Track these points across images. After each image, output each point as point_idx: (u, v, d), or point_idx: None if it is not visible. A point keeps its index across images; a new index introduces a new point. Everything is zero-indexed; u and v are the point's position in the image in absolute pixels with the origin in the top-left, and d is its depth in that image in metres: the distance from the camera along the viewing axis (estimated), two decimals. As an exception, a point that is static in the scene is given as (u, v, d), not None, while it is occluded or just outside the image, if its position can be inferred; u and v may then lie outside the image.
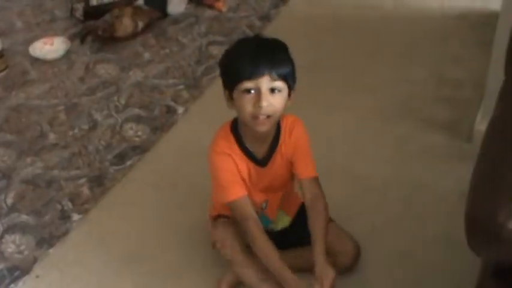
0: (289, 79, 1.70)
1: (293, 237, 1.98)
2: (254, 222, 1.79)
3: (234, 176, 1.80)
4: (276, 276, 1.77)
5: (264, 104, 1.65)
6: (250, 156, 1.81)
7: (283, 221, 2.02)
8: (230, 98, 1.73)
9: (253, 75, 1.64)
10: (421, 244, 2.08)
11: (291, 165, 1.87)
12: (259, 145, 1.82)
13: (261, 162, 1.83)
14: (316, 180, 1.87)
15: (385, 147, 2.52)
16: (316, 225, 1.81)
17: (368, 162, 2.44)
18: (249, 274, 1.86)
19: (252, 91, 1.66)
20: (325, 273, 1.71)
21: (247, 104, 1.67)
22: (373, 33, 3.34)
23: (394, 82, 2.92)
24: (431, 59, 3.08)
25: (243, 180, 1.82)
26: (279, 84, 1.67)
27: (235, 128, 1.81)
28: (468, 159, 2.29)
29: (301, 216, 1.98)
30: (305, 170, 1.87)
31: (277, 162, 1.85)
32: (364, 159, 2.46)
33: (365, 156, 2.47)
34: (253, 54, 1.66)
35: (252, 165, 1.83)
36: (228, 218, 1.92)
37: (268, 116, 1.69)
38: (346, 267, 1.94)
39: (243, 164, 1.81)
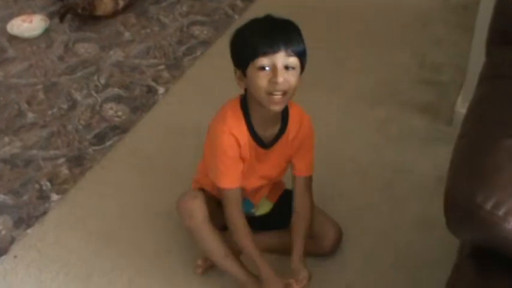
0: (303, 57, 1.68)
1: (272, 222, 1.99)
2: (239, 214, 1.80)
3: (234, 164, 1.78)
4: (254, 262, 1.80)
5: (280, 79, 1.62)
6: (255, 137, 1.78)
7: (265, 207, 2.02)
8: (243, 76, 1.70)
9: (269, 50, 1.61)
10: (400, 225, 2.10)
11: (290, 157, 1.87)
12: (266, 128, 1.78)
13: (266, 144, 1.81)
14: (309, 179, 1.90)
15: (367, 129, 2.53)
16: (298, 229, 1.84)
17: (349, 143, 2.45)
18: (214, 249, 1.86)
19: (267, 68, 1.62)
20: (301, 274, 1.75)
21: (262, 80, 1.63)
22: (356, 16, 3.33)
23: (376, 65, 2.92)
24: (413, 42, 3.09)
25: (243, 159, 1.79)
26: (294, 60, 1.65)
27: (245, 106, 1.77)
28: (448, 142, 2.30)
29: (281, 203, 1.99)
30: (303, 168, 1.88)
31: (282, 147, 1.83)
32: (345, 140, 2.47)
33: (347, 138, 2.48)
34: (269, 30, 1.64)
35: (255, 147, 1.79)
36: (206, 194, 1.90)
37: (284, 94, 1.65)
38: (328, 250, 1.95)
39: (246, 146, 1.77)
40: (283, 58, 1.63)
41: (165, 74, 2.91)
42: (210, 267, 1.95)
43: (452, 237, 1.30)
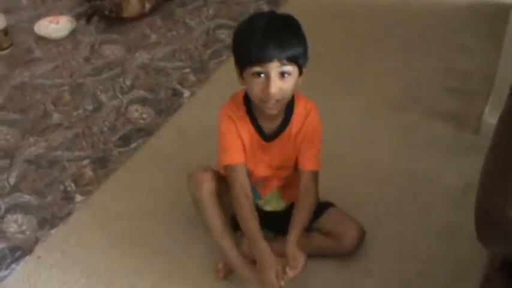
0: (300, 60, 1.67)
1: (283, 223, 1.96)
2: (241, 186, 1.81)
3: (234, 141, 1.81)
4: (250, 242, 1.80)
5: (273, 90, 1.64)
6: (257, 127, 1.80)
7: (277, 204, 2.01)
8: (241, 75, 1.72)
9: (261, 60, 1.62)
10: (424, 235, 2.07)
11: (297, 150, 1.86)
12: (268, 121, 1.81)
13: (267, 137, 1.82)
14: (315, 174, 1.88)
15: (391, 135, 2.50)
16: (298, 214, 1.84)
17: (373, 150, 2.43)
18: (213, 222, 1.89)
19: (262, 75, 1.64)
20: (298, 258, 1.74)
21: (256, 86, 1.66)
22: (382, 21, 3.31)
23: (402, 71, 2.90)
24: (440, 49, 3.06)
25: (244, 147, 1.82)
26: (289, 68, 1.65)
27: (248, 97, 1.79)
28: (475, 151, 2.31)
29: None
30: (308, 162, 1.87)
31: (284, 141, 1.83)
32: (369, 147, 2.45)
33: (370, 144, 2.46)
34: (262, 37, 1.62)
35: (256, 137, 1.82)
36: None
37: (278, 100, 1.68)
38: (350, 250, 1.94)
39: (246, 134, 1.81)
40: (277, 67, 1.63)
41: (191, 77, 2.91)
42: (231, 271, 1.94)
43: (479, 248, 1.29)
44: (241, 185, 1.82)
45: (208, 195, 1.86)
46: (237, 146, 1.82)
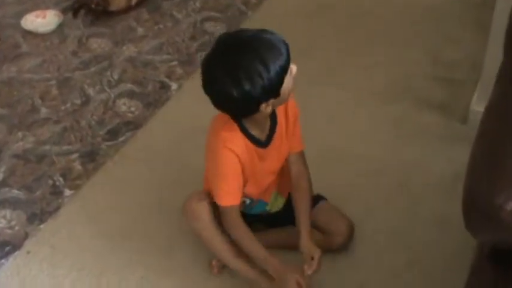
0: None
1: (285, 218, 1.97)
2: (240, 223, 1.78)
3: (236, 181, 1.76)
4: (262, 264, 1.79)
5: (295, 69, 1.64)
6: (253, 140, 1.76)
7: (278, 203, 2.00)
8: (275, 98, 1.64)
9: (289, 57, 1.61)
10: (415, 224, 2.08)
11: (289, 144, 1.86)
12: (259, 129, 1.77)
13: (264, 143, 1.79)
14: (302, 154, 1.89)
15: (381, 127, 2.51)
16: (300, 206, 1.84)
17: (363, 142, 2.43)
18: (223, 250, 1.86)
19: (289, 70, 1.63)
20: (313, 253, 1.74)
21: (290, 86, 1.65)
22: (370, 13, 3.31)
23: (390, 62, 2.90)
24: (428, 39, 3.06)
25: (243, 166, 1.76)
26: None
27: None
28: (463, 140, 2.30)
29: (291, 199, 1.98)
30: (296, 144, 1.88)
31: (278, 141, 1.82)
32: (359, 139, 2.45)
33: (360, 136, 2.46)
34: (278, 42, 1.60)
35: (255, 149, 1.77)
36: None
37: None
38: (340, 246, 1.94)
39: (244, 153, 1.74)
40: None
41: (178, 70, 2.90)
42: (224, 266, 1.94)
43: (468, 236, 1.29)
44: (239, 219, 1.79)
45: (209, 224, 1.83)
46: (239, 187, 1.77)
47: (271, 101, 1.62)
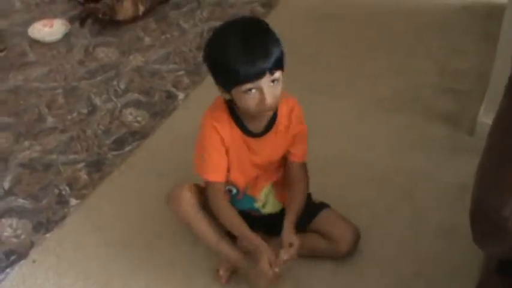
0: (283, 61, 1.67)
1: (281, 225, 1.96)
2: (224, 200, 1.86)
3: (222, 160, 1.82)
4: (240, 237, 1.85)
5: (269, 101, 1.65)
6: (243, 128, 1.80)
7: (274, 206, 1.99)
8: (225, 92, 1.71)
9: (252, 78, 1.61)
10: (420, 235, 2.07)
11: (286, 146, 1.88)
12: (254, 122, 1.81)
13: (254, 135, 1.82)
14: (304, 165, 1.92)
15: (386, 136, 2.50)
16: (291, 203, 1.88)
17: (369, 151, 2.43)
18: (205, 234, 1.90)
19: (254, 90, 1.63)
20: (293, 240, 1.78)
21: (250, 102, 1.66)
22: (376, 22, 3.31)
23: (397, 72, 2.90)
24: (435, 49, 3.06)
25: (226, 151, 1.82)
26: (277, 74, 1.65)
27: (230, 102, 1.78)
28: (470, 151, 2.31)
29: None
30: (297, 154, 1.90)
31: (271, 140, 1.84)
32: (364, 148, 2.44)
33: (366, 146, 2.46)
34: (246, 54, 1.60)
35: (243, 137, 1.82)
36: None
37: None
38: (344, 253, 1.94)
39: (229, 137, 1.80)
40: (268, 79, 1.63)
41: (185, 80, 2.91)
42: (233, 273, 1.95)
43: (475, 248, 1.28)
44: (222, 195, 1.86)
45: (191, 208, 1.88)
46: (224, 165, 1.84)
47: (225, 91, 1.70)
